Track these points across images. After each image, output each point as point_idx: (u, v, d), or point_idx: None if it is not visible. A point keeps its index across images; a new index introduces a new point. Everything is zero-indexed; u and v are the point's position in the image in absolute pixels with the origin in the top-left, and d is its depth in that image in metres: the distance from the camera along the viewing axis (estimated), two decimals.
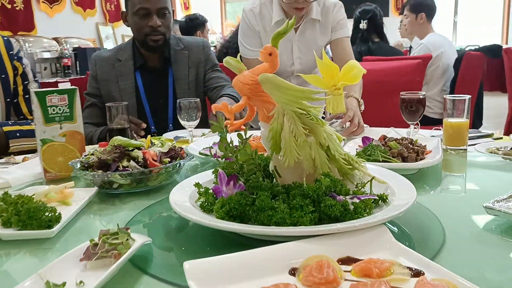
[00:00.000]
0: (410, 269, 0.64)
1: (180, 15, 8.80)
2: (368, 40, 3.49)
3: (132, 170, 1.09)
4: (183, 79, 2.16)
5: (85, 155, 1.18)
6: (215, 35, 8.19)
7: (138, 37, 2.07)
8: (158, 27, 2.02)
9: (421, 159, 1.25)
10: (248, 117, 0.89)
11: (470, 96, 1.43)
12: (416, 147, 1.27)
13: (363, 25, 3.48)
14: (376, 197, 0.85)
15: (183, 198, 0.88)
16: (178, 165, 1.16)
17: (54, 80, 4.27)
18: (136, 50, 2.13)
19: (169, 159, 1.18)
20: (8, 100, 1.74)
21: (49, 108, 1.24)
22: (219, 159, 0.92)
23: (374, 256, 0.67)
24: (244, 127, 0.91)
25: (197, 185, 0.89)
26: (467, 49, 5.67)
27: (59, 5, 5.99)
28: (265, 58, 0.83)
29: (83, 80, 3.59)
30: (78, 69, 5.49)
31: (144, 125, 1.78)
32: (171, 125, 2.16)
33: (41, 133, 1.23)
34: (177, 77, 2.15)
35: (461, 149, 1.43)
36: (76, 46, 5.62)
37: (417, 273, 0.62)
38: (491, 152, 1.37)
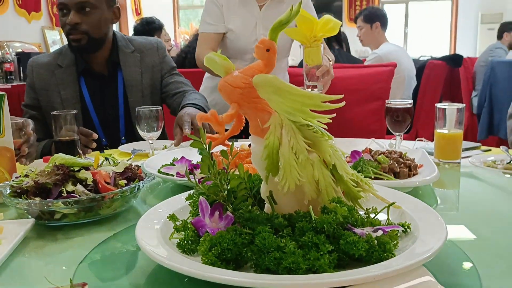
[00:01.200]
0: None
1: (132, 21, 8.48)
2: (330, 47, 3.45)
3: (80, 196, 0.88)
4: (136, 85, 1.90)
5: (16, 177, 0.96)
6: (168, 42, 7.94)
7: (66, 37, 1.82)
8: (76, 24, 1.75)
9: (414, 174, 1.11)
10: (235, 130, 0.71)
11: (464, 105, 1.31)
12: (407, 161, 1.14)
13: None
14: (402, 228, 0.68)
15: (153, 235, 0.68)
16: (136, 188, 0.94)
17: None
18: (77, 52, 1.86)
19: (125, 181, 0.96)
20: None
21: None
22: (198, 183, 0.73)
23: None
24: (230, 143, 0.73)
25: (173, 217, 0.70)
26: (421, 59, 5.72)
27: (1, 7, 5.58)
28: (261, 54, 0.65)
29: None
30: (21, 75, 5.11)
31: (95, 136, 1.53)
32: (123, 138, 1.92)
33: None
34: (129, 83, 1.89)
35: (455, 163, 1.29)
36: (20, 50, 5.25)
37: None
38: (489, 166, 1.25)
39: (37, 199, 0.87)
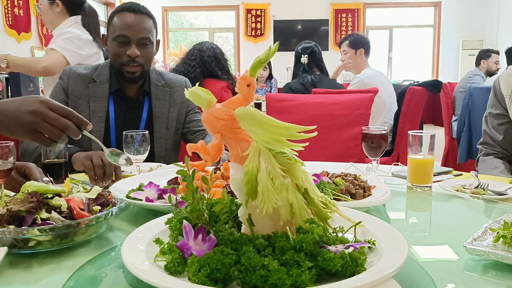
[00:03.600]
0: None
1: None
2: (310, 72, 3.59)
3: (56, 223, 0.88)
4: (163, 118, 2.04)
5: None
6: (157, 63, 8.04)
7: (115, 64, 1.94)
8: (136, 57, 1.89)
9: (368, 195, 1.20)
10: (215, 157, 0.77)
11: (435, 133, 1.39)
12: (361, 183, 1.23)
13: (304, 59, 3.63)
14: (370, 244, 0.76)
15: (140, 259, 0.72)
16: (110, 214, 0.95)
17: None
18: (113, 74, 1.99)
19: (99, 207, 0.97)
20: None
21: None
22: (176, 207, 0.79)
23: None
24: (208, 170, 0.79)
25: (158, 241, 0.75)
26: (404, 83, 5.87)
27: None
28: (242, 89, 0.72)
29: None
30: (9, 94, 5.12)
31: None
32: None
33: None
34: (156, 114, 2.03)
35: (427, 187, 1.37)
36: (9, 70, 5.24)
37: None
38: (457, 190, 1.33)
39: (11, 227, 0.86)
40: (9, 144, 1.22)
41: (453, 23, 10.31)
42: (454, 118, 4.87)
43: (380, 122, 3.51)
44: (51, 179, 1.19)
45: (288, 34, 10.66)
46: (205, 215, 0.76)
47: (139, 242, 0.78)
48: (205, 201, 0.76)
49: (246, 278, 0.64)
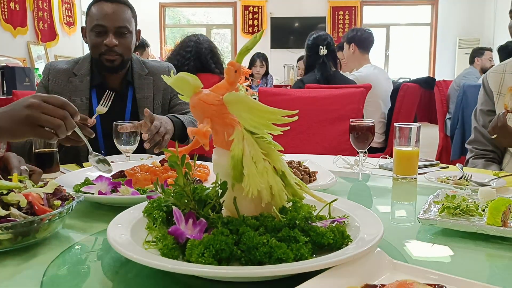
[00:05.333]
0: (432, 285, 0.61)
1: None
2: (327, 67, 3.38)
3: (18, 219, 0.82)
4: (148, 106, 2.02)
5: None
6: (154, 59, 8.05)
7: (93, 55, 1.95)
8: (114, 46, 1.89)
9: (314, 180, 1.27)
10: (197, 142, 0.79)
11: (420, 124, 1.42)
12: (306, 169, 1.29)
13: (323, 51, 3.37)
14: (346, 219, 0.81)
15: (134, 247, 0.72)
16: (71, 208, 0.90)
17: None
18: (94, 66, 2.00)
19: (60, 201, 0.92)
20: None
21: None
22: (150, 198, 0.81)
23: (387, 280, 0.65)
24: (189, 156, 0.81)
25: (150, 227, 0.76)
26: (400, 81, 5.93)
27: None
28: (230, 75, 0.75)
29: (10, 101, 3.32)
30: (5, 89, 5.14)
31: (90, 121, 1.52)
32: (103, 151, 2.00)
33: None
34: (141, 103, 2.03)
35: (412, 178, 1.41)
36: (4, 64, 5.28)
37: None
38: (442, 181, 1.37)
39: None
40: None
41: (449, 22, 10.36)
42: (448, 115, 4.91)
43: (375, 119, 3.50)
44: (38, 169, 1.22)
45: (285, 31, 10.69)
46: (193, 201, 0.79)
47: (122, 233, 0.77)
48: (189, 187, 0.79)
49: (250, 255, 0.67)
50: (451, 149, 4.18)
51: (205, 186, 0.80)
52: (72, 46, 8.09)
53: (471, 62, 5.80)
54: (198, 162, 1.26)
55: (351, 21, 10.70)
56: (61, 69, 1.99)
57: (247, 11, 11.02)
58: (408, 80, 7.06)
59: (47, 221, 0.85)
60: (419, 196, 1.33)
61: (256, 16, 11.02)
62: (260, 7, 10.95)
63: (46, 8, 7.10)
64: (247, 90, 5.07)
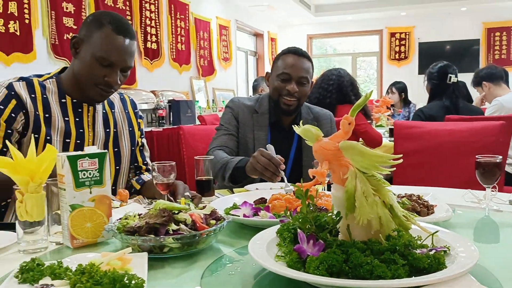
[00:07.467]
0: None
1: None
2: (457, 96, 3.41)
3: (185, 233, 1.08)
4: (311, 149, 2.27)
5: (118, 220, 1.18)
6: None
7: (273, 96, 2.25)
8: (295, 92, 2.18)
9: (431, 213, 1.34)
10: (317, 180, 0.97)
11: None
12: (424, 202, 1.37)
13: (453, 79, 3.40)
14: (446, 249, 0.92)
15: (268, 259, 0.93)
16: (222, 226, 1.15)
17: (149, 129, 4.61)
18: (271, 106, 2.31)
19: (214, 221, 1.17)
20: (133, 148, 1.98)
21: (79, 172, 1.18)
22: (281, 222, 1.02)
23: None
24: (316, 189, 1.00)
25: (281, 245, 0.97)
26: None
27: (159, 61, 6.55)
28: (344, 126, 0.93)
29: (174, 130, 3.83)
30: (171, 119, 5.88)
31: (283, 166, 1.79)
32: None
33: (71, 198, 1.17)
34: (305, 145, 2.24)
35: None
36: (171, 98, 6.04)
37: None
38: None
39: (151, 236, 1.06)
40: (171, 163, 1.55)
41: None
42: None
43: None
44: (198, 194, 1.57)
45: (434, 56, 10.32)
46: (314, 225, 0.98)
47: (260, 248, 0.98)
48: (312, 214, 0.98)
49: (355, 271, 0.83)
50: None
51: (327, 214, 0.99)
52: (227, 79, 8.88)
53: None
54: (327, 192, 1.44)
55: (509, 41, 9.96)
56: (246, 105, 2.31)
57: (394, 38, 10.93)
58: None
59: (205, 235, 1.10)
60: None
61: (403, 42, 10.88)
62: (407, 33, 10.79)
63: (206, 46, 7.96)
64: (388, 119, 5.09)
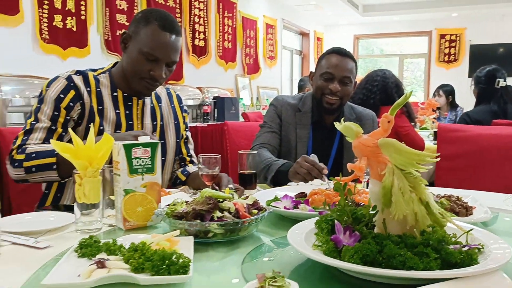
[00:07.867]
0: None
1: None
2: (506, 100, 3.36)
3: (229, 220, 1.15)
4: (351, 149, 2.31)
5: (166, 206, 1.25)
6: None
7: (317, 95, 2.30)
8: (337, 91, 2.22)
9: (470, 214, 1.36)
10: (356, 175, 1.02)
11: None
12: (463, 203, 1.38)
13: (502, 83, 3.36)
14: (480, 247, 0.95)
15: (306, 247, 0.98)
16: (263, 216, 1.21)
17: (194, 125, 4.71)
18: (314, 105, 2.35)
19: (256, 211, 1.23)
20: (178, 141, 2.09)
21: (133, 160, 1.27)
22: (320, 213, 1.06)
23: None
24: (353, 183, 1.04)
25: (318, 235, 1.02)
26: None
27: (205, 58, 6.71)
28: (384, 124, 0.97)
29: (218, 127, 3.92)
30: (216, 115, 6.00)
31: (326, 171, 1.83)
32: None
33: (125, 184, 1.26)
34: (347, 145, 2.29)
35: None
36: (216, 95, 6.16)
37: None
38: None
39: (198, 221, 1.12)
40: (216, 156, 1.63)
41: None
42: None
43: None
44: (241, 187, 1.66)
45: (486, 59, 9.95)
46: (351, 218, 1.02)
47: (299, 237, 1.03)
48: (349, 208, 1.03)
49: (388, 262, 0.87)
50: None
51: (365, 208, 1.03)
52: (272, 77, 8.96)
53: None
54: (366, 190, 1.48)
55: None
56: (289, 103, 2.37)
57: (444, 40, 10.68)
58: None
59: (247, 224, 1.16)
60: None
61: (453, 44, 10.61)
62: (458, 35, 10.51)
63: (252, 45, 8.06)
64: (433, 122, 5.01)
